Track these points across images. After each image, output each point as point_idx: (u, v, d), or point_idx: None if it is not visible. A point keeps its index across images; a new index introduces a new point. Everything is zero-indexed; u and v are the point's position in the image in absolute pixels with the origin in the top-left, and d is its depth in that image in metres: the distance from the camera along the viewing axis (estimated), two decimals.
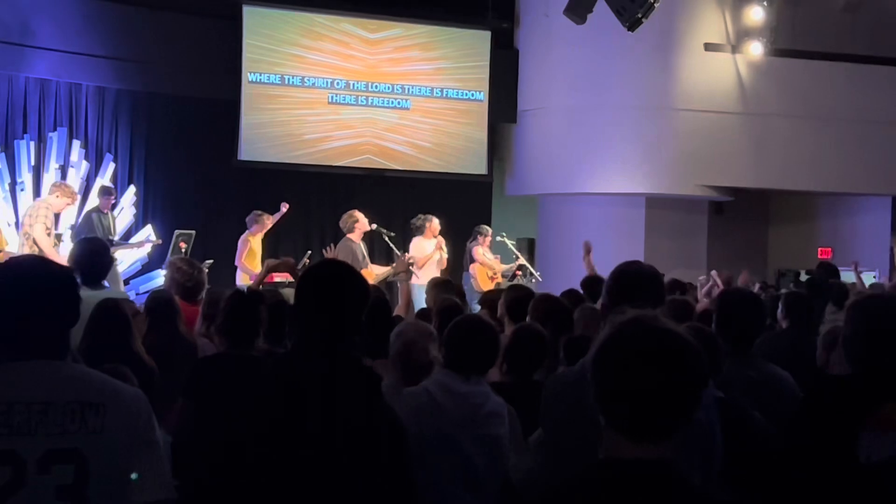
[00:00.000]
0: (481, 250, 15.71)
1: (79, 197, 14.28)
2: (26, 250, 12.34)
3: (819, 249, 20.21)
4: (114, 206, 15.13)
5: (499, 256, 16.30)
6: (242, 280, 14.04)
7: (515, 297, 7.38)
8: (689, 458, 3.61)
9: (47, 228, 12.64)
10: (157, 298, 7.22)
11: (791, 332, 7.36)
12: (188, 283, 7.92)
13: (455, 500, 4.69)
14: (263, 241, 15.02)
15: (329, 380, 3.39)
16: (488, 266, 15.70)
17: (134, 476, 3.16)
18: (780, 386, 5.22)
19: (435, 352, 5.22)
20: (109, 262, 7.72)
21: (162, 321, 6.89)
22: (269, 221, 15.17)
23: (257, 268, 13.79)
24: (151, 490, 3.20)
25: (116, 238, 14.77)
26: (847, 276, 13.56)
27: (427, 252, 14.72)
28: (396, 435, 3.46)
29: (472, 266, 15.62)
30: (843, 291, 10.22)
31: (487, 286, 14.61)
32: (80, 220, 14.93)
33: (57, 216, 13.59)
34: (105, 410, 3.15)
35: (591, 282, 9.33)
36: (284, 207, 15.73)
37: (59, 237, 13.58)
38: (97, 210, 14.44)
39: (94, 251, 7.35)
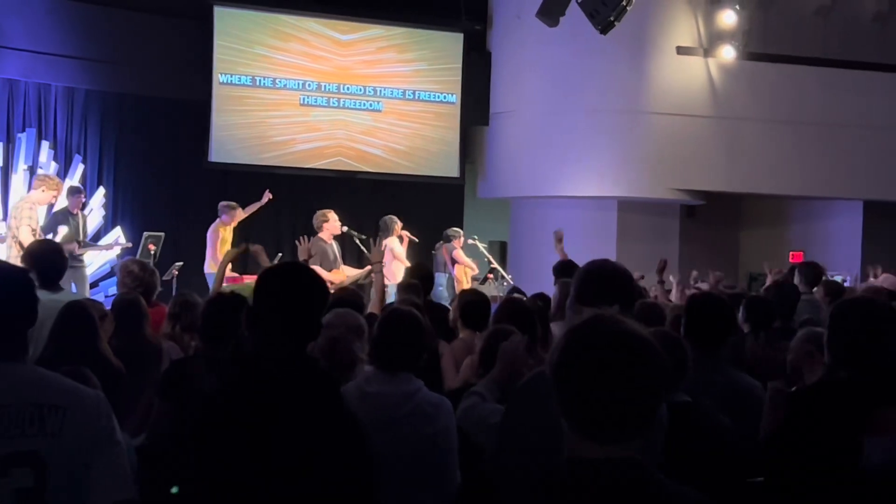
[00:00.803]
0: (461, 252, 15.69)
1: (63, 188, 14.11)
2: (14, 253, 12.22)
3: (791, 253, 20.27)
4: (83, 207, 15.05)
5: (476, 260, 16.29)
6: (211, 269, 13.93)
7: (469, 301, 7.34)
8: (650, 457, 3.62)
9: (33, 230, 12.48)
10: (123, 300, 7.17)
11: (752, 337, 7.31)
12: (138, 287, 7.86)
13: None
14: (235, 236, 14.90)
15: (288, 385, 3.35)
16: (469, 266, 15.70)
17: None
18: (746, 392, 5.22)
19: (361, 350, 5.17)
20: (65, 264, 7.65)
21: (127, 323, 6.85)
22: (243, 214, 15.09)
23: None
24: (112, 491, 3.18)
25: (86, 240, 14.68)
26: None
27: (398, 251, 14.71)
28: (358, 439, 3.43)
29: (455, 267, 15.57)
30: (815, 271, 10.19)
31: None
32: (48, 220, 14.84)
33: (52, 207, 13.56)
34: (64, 413, 3.13)
35: (564, 267, 9.19)
36: (267, 196, 15.64)
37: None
38: (66, 211, 14.35)
39: (50, 253, 7.30)
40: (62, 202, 13.99)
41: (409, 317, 4.89)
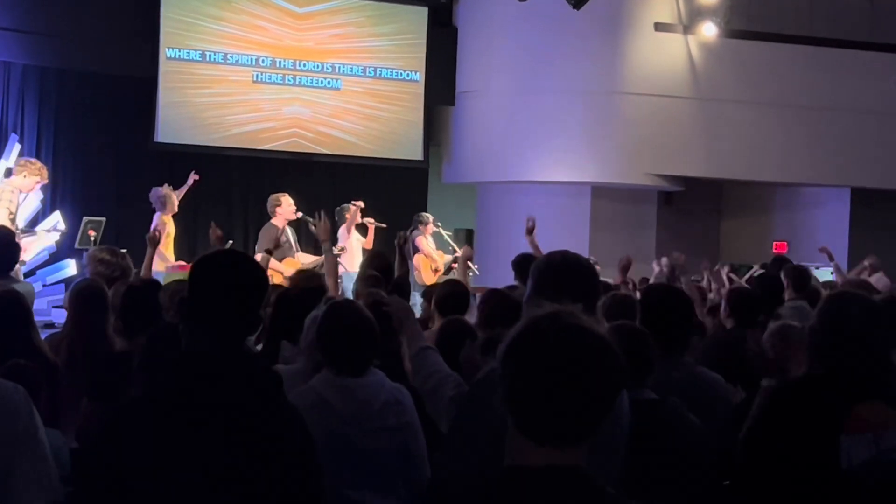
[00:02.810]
0: (424, 241, 15.66)
1: (47, 173, 13.96)
2: None
3: (774, 243, 20.38)
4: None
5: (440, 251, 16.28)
6: (158, 266, 13.87)
7: (450, 293, 7.35)
8: (606, 462, 3.67)
9: (11, 213, 12.35)
10: (81, 289, 6.98)
11: (735, 332, 7.33)
12: (115, 273, 7.83)
13: None
14: (177, 221, 14.80)
15: (227, 382, 3.31)
16: (431, 258, 15.66)
17: None
18: (707, 388, 5.26)
19: None
20: (15, 252, 7.65)
21: (85, 315, 6.78)
22: (176, 197, 14.94)
23: (170, 253, 13.65)
24: (35, 492, 3.16)
25: (22, 225, 14.62)
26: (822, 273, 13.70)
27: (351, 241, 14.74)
28: (302, 438, 3.42)
29: (415, 257, 15.52)
30: (803, 276, 10.23)
31: (430, 279, 14.62)
32: None
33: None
34: None
35: (523, 261, 8.85)
36: (192, 179, 15.49)
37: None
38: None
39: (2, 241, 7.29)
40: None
41: (356, 319, 4.82)
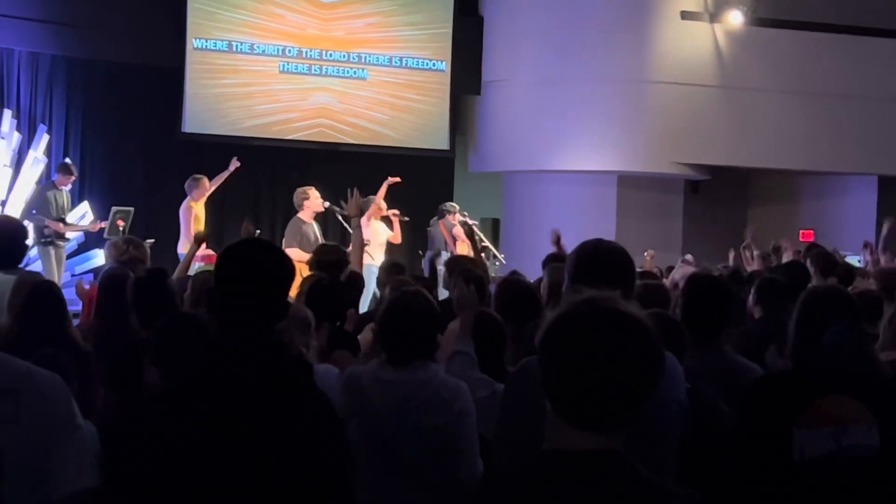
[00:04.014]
0: (461, 228, 15.60)
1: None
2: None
3: (801, 232, 20.28)
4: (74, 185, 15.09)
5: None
6: (184, 249, 13.92)
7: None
8: (650, 448, 3.64)
9: None
10: (105, 278, 7.02)
11: (762, 322, 7.25)
12: (122, 257, 7.84)
13: (395, 499, 4.66)
14: (207, 210, 14.88)
15: (255, 372, 3.31)
16: (468, 243, 15.59)
17: None
18: (745, 378, 5.20)
19: (301, 341, 5.18)
20: (25, 244, 7.63)
21: (108, 303, 6.76)
22: (211, 185, 15.04)
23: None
24: (73, 479, 3.16)
25: (68, 218, 14.71)
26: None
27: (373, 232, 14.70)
28: (332, 429, 3.40)
29: (456, 244, 15.42)
30: (829, 260, 10.14)
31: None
32: (33, 195, 14.84)
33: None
34: (17, 397, 3.10)
35: (555, 256, 8.94)
36: (234, 164, 15.59)
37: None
38: (54, 187, 14.33)
39: (9, 232, 7.27)
40: (27, 175, 13.97)
41: (420, 304, 4.87)
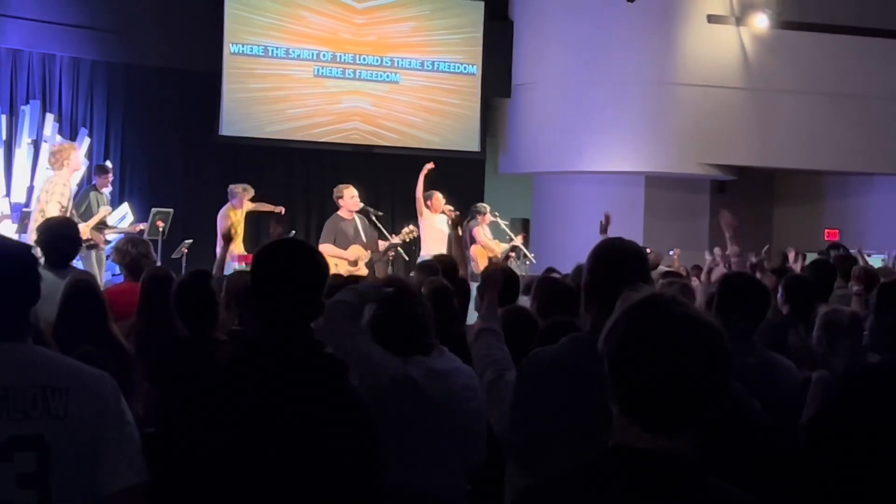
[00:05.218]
0: (482, 231, 15.56)
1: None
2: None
3: (826, 231, 20.21)
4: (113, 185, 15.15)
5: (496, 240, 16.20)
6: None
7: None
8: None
9: (63, 207, 12.41)
10: (147, 277, 6.99)
11: (790, 319, 7.22)
12: (125, 260, 7.87)
13: (429, 480, 4.70)
14: (246, 216, 14.92)
15: (290, 370, 3.33)
16: (489, 248, 15.55)
17: None
18: (780, 374, 5.18)
19: None
20: (77, 243, 7.67)
21: (150, 301, 6.78)
22: (251, 203, 15.04)
23: (238, 246, 13.74)
24: (123, 476, 3.17)
25: (109, 220, 14.76)
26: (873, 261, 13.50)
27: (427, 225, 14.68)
28: (366, 426, 3.40)
29: (472, 248, 15.42)
30: (849, 263, 10.09)
31: None
32: (79, 194, 14.90)
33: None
34: (67, 394, 3.11)
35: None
36: (279, 209, 15.58)
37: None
38: (95, 189, 14.42)
39: (62, 232, 7.30)
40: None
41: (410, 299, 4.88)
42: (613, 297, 2.64)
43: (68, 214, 12.07)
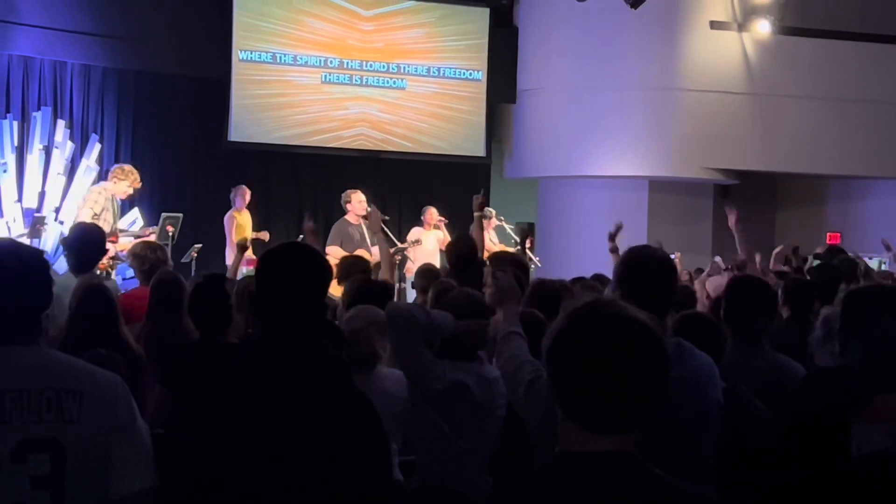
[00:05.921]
0: (487, 235, 15.57)
1: (138, 179, 14.06)
2: None
3: (828, 234, 20.18)
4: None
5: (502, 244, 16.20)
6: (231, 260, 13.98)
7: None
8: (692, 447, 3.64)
9: (95, 215, 12.42)
10: (157, 281, 7.02)
11: (791, 322, 7.20)
12: (143, 266, 7.87)
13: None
14: (253, 218, 14.95)
15: (294, 372, 3.33)
16: (489, 250, 15.55)
17: None
18: (788, 376, 5.17)
19: (379, 344, 5.22)
20: (101, 249, 7.69)
21: (160, 305, 6.78)
22: (248, 194, 15.21)
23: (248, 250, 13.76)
24: (134, 479, 3.19)
25: (119, 224, 14.77)
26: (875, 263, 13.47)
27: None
28: (371, 427, 3.41)
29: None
30: (852, 266, 10.07)
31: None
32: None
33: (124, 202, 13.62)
34: (80, 397, 3.13)
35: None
36: (264, 236, 15.51)
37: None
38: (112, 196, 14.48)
39: (87, 237, 7.31)
40: (80, 182, 14.00)
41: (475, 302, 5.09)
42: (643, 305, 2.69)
43: (100, 223, 12.16)
